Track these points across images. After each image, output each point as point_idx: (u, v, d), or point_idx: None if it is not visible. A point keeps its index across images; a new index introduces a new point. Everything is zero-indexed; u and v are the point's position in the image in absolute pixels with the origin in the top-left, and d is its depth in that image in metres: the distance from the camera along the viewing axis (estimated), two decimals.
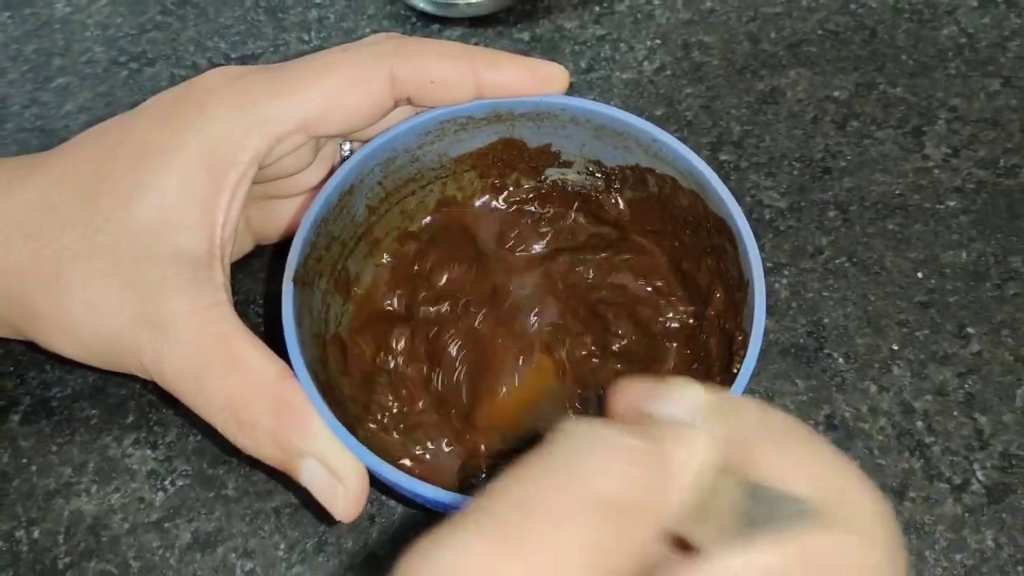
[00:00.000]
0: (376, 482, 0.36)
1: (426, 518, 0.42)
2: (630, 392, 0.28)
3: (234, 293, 0.39)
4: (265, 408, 0.35)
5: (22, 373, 0.46)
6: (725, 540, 0.23)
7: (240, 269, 0.47)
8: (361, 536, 0.41)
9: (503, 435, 0.42)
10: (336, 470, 0.35)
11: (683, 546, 0.25)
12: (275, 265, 0.48)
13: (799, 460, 0.25)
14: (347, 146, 0.44)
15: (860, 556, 0.23)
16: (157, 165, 0.37)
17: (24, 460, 0.43)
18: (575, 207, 0.45)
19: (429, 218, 0.45)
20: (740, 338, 0.37)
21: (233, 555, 0.41)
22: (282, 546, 0.41)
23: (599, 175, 0.44)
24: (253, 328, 0.37)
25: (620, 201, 0.44)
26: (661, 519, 0.24)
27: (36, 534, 0.42)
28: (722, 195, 0.39)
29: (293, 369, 0.36)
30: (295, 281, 0.38)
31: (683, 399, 0.26)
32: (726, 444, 0.25)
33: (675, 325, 0.43)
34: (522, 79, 0.40)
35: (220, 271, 0.38)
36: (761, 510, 0.24)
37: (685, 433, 0.25)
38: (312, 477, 0.35)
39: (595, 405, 0.42)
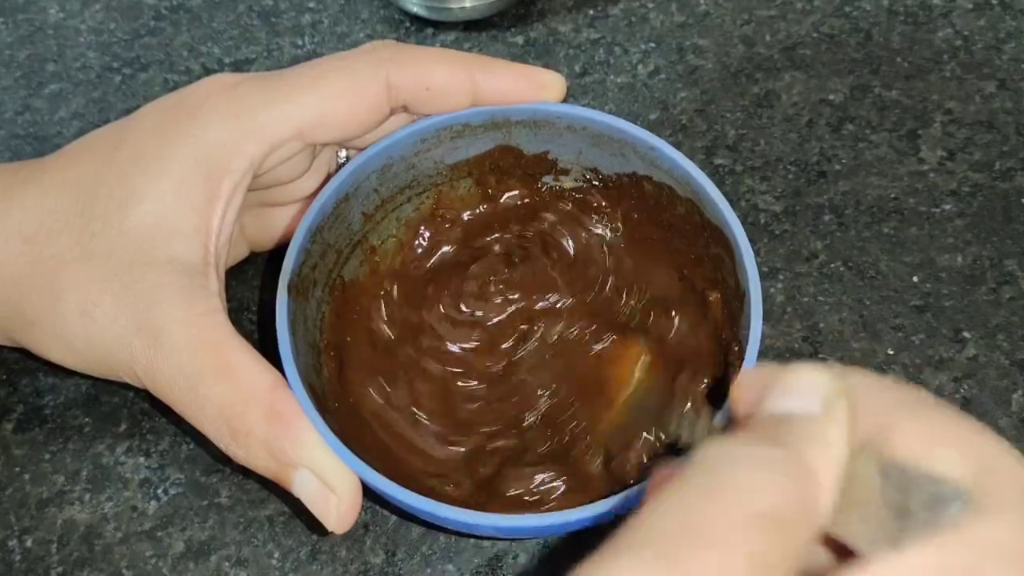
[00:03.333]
0: (370, 492, 0.36)
1: (422, 528, 0.42)
2: (751, 387, 0.27)
3: (228, 301, 0.39)
4: (258, 418, 0.35)
5: (15, 381, 0.45)
6: (879, 538, 0.23)
7: (234, 276, 0.47)
8: (355, 545, 0.41)
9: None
10: (329, 481, 0.35)
11: (835, 546, 0.24)
12: (269, 273, 0.48)
13: (938, 434, 0.24)
14: (343, 153, 0.44)
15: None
16: (153, 171, 0.37)
17: (17, 468, 0.43)
18: (572, 214, 0.45)
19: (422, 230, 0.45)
20: (736, 348, 0.37)
21: (226, 564, 0.41)
22: (276, 555, 0.41)
23: (596, 183, 0.44)
24: (247, 336, 0.37)
25: (617, 209, 0.44)
26: (814, 525, 0.23)
27: (29, 543, 0.41)
28: (719, 205, 0.38)
29: (287, 378, 0.35)
30: (290, 290, 0.37)
31: (807, 390, 0.25)
32: (858, 425, 0.24)
33: (671, 336, 0.43)
34: (519, 86, 0.40)
35: (215, 278, 0.38)
36: (910, 496, 0.23)
37: (818, 430, 0.24)
38: (304, 488, 0.35)
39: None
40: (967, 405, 0.44)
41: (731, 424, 0.28)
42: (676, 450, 0.34)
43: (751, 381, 0.27)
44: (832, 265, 0.48)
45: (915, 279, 0.48)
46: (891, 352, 0.46)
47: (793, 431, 0.24)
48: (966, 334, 0.46)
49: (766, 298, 0.47)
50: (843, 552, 0.24)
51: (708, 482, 0.23)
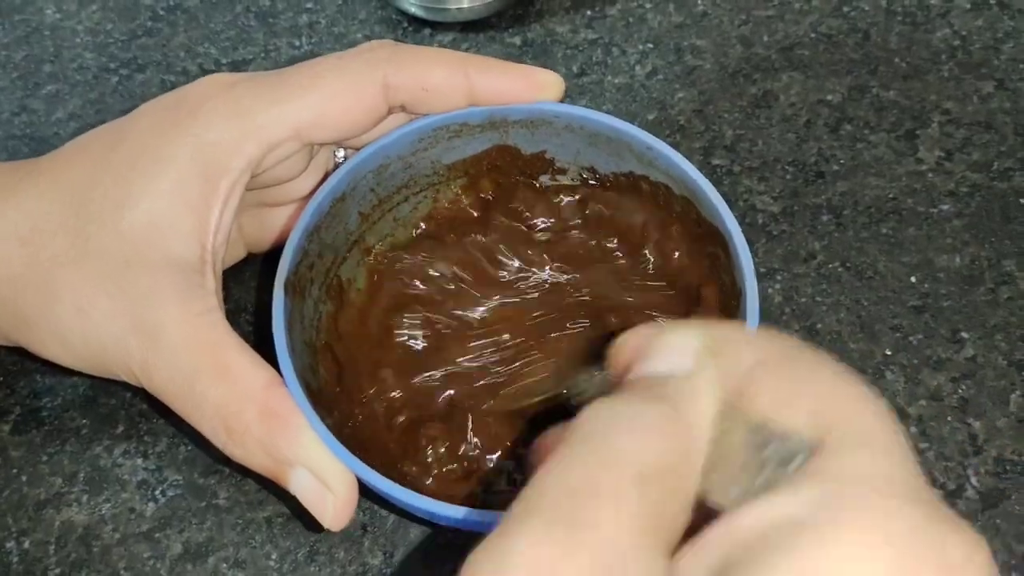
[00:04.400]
0: (368, 492, 0.36)
1: (420, 528, 0.42)
2: (628, 348, 0.28)
3: (225, 302, 0.39)
4: (254, 416, 0.35)
5: (12, 383, 0.45)
6: (740, 494, 0.23)
7: (231, 277, 0.47)
8: (353, 546, 0.41)
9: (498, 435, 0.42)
10: (325, 479, 0.35)
11: (703, 507, 0.24)
12: (267, 274, 0.47)
13: (795, 388, 0.25)
14: (340, 153, 0.44)
15: (871, 469, 0.23)
16: (150, 172, 0.37)
17: (14, 470, 0.43)
18: (568, 213, 0.45)
19: (422, 226, 0.45)
20: None
21: (224, 565, 0.41)
22: (274, 556, 0.41)
23: (593, 182, 0.44)
24: (244, 338, 0.37)
25: (614, 208, 0.44)
26: (694, 480, 0.24)
27: (27, 545, 0.41)
28: (715, 203, 0.39)
29: (283, 377, 0.36)
30: (286, 288, 0.37)
31: (680, 350, 0.26)
32: (725, 383, 0.25)
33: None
34: (516, 85, 0.40)
35: (212, 278, 0.38)
36: (768, 452, 0.23)
37: (691, 387, 0.25)
38: (301, 485, 0.35)
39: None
40: (965, 405, 0.44)
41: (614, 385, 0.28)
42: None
43: (628, 343, 0.28)
44: (830, 266, 0.48)
45: (913, 279, 0.48)
46: (889, 353, 0.46)
47: (668, 389, 0.25)
48: (964, 334, 0.46)
49: (764, 299, 0.47)
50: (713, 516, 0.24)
51: (592, 444, 0.24)
